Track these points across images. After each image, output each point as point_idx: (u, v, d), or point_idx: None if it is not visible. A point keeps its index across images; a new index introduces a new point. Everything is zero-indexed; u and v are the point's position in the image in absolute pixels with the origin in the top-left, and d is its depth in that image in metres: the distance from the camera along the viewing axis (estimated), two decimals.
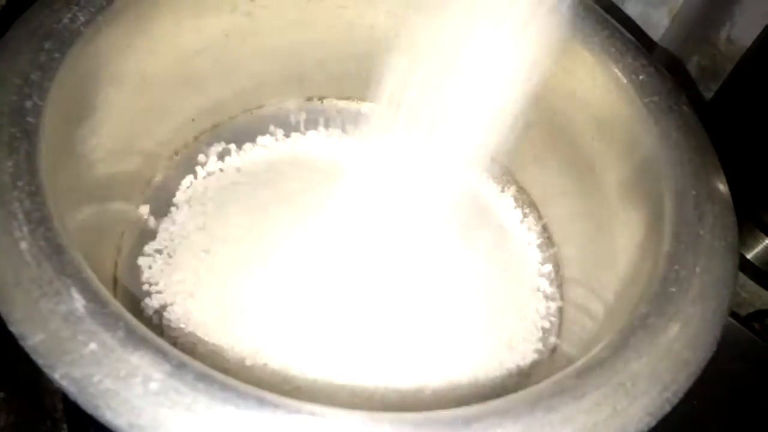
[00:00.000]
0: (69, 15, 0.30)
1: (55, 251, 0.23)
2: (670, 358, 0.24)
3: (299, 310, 0.35)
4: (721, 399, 0.43)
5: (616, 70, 0.34)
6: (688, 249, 0.27)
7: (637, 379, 0.23)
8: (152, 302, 0.36)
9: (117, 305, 0.22)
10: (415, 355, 0.34)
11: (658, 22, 0.49)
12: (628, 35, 0.36)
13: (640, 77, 0.34)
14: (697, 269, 0.27)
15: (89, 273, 0.23)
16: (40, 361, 0.21)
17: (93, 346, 0.21)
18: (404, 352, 0.34)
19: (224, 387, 0.21)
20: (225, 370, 0.32)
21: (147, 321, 0.35)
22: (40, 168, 0.26)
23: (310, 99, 0.46)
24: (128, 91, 0.35)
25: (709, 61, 0.55)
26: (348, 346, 0.34)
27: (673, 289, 0.26)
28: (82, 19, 0.30)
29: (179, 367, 0.21)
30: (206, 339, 0.34)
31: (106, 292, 0.22)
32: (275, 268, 0.37)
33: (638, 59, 0.35)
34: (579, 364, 0.24)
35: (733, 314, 0.50)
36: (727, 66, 0.54)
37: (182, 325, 0.35)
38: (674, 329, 0.25)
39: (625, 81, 0.34)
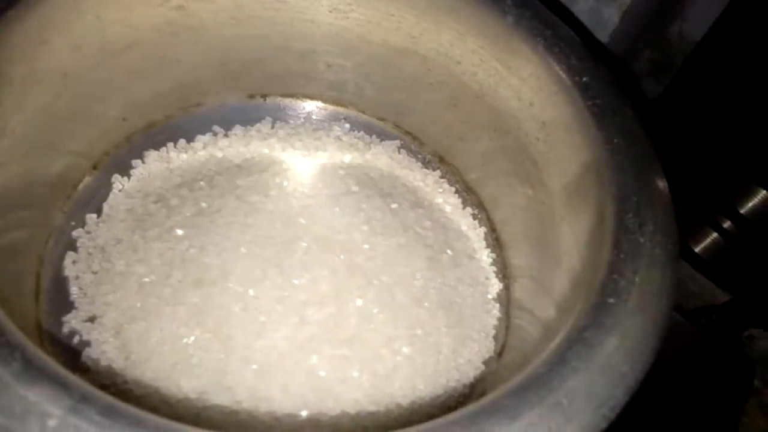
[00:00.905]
0: None
1: None
2: (607, 372, 0.24)
3: (238, 321, 0.34)
4: (661, 393, 0.43)
5: (560, 71, 0.34)
6: (628, 257, 0.27)
7: (573, 396, 0.23)
8: (80, 314, 0.34)
9: (15, 332, 0.20)
10: (354, 370, 0.33)
11: (608, 18, 0.49)
12: (574, 35, 0.36)
13: (584, 79, 0.33)
14: (637, 279, 0.26)
15: None
16: None
17: None
18: (342, 368, 0.33)
19: (133, 422, 0.19)
20: (155, 389, 0.31)
21: (73, 335, 0.33)
22: None
23: (252, 96, 0.44)
24: (48, 90, 0.33)
25: (660, 55, 0.55)
26: (284, 363, 0.32)
27: (612, 300, 0.26)
28: None
29: (81, 401, 0.19)
30: (137, 352, 0.33)
31: (3, 318, 0.20)
32: (213, 275, 0.35)
33: (584, 60, 0.34)
34: (515, 381, 0.23)
35: (679, 307, 0.51)
36: (678, 60, 0.55)
37: (111, 339, 0.33)
38: (612, 342, 0.24)
39: (569, 83, 0.33)
